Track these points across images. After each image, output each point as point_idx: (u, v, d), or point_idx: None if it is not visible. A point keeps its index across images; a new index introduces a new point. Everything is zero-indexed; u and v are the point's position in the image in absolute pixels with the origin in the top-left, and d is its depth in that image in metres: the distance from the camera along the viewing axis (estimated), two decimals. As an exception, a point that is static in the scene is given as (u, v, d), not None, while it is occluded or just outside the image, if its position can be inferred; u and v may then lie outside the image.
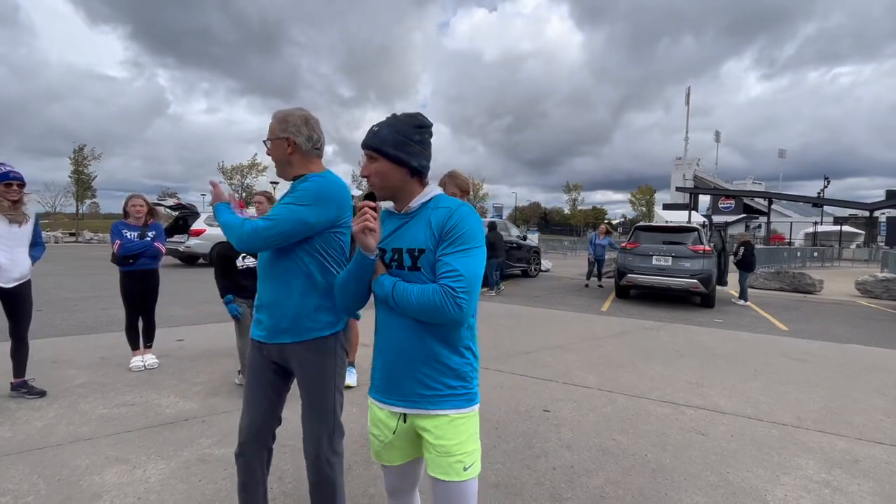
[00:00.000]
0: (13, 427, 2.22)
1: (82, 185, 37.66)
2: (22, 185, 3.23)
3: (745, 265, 9.62)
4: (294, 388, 1.80)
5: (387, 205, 1.41)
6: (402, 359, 1.31)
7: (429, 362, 1.29)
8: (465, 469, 1.29)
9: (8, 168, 3.21)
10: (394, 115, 1.36)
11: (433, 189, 1.37)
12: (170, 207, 16.82)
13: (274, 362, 1.74)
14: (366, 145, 1.32)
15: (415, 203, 1.34)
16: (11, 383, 3.41)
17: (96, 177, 38.68)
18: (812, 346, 5.98)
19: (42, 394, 3.43)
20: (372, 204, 1.25)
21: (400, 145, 1.30)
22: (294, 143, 1.71)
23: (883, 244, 30.96)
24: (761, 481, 2.57)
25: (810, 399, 3.94)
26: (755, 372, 4.70)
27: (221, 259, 3.67)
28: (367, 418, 1.45)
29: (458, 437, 1.30)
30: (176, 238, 14.44)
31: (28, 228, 3.35)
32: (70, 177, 37.15)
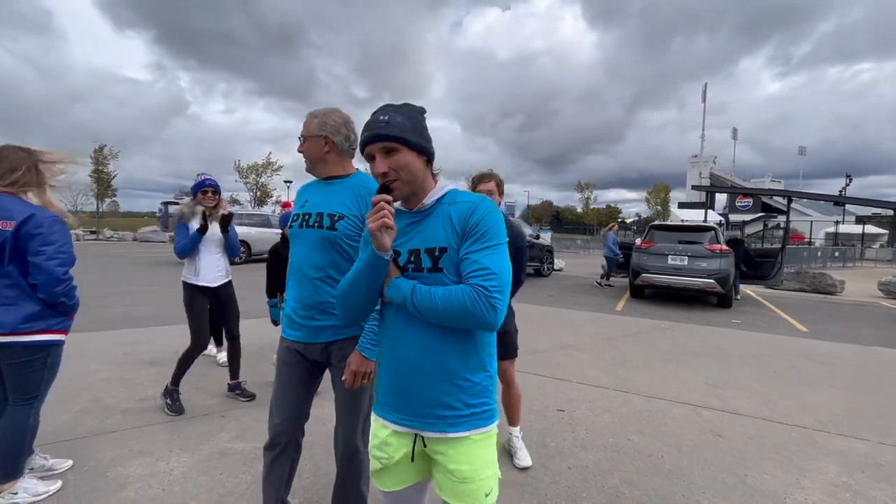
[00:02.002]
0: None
1: (102, 183, 38.64)
2: (217, 191, 3.42)
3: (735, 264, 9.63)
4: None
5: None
6: (417, 373, 1.17)
7: (449, 377, 1.16)
8: (485, 496, 1.18)
9: (205, 177, 3.42)
10: (390, 104, 1.22)
11: (446, 183, 1.25)
12: (187, 206, 17.25)
13: (305, 358, 1.79)
14: (381, 137, 1.14)
15: (429, 199, 1.21)
16: (229, 384, 3.55)
17: (116, 175, 39.65)
18: (833, 347, 5.85)
19: (252, 397, 3.49)
20: (388, 198, 1.12)
21: (420, 132, 1.18)
22: (332, 142, 1.77)
23: (907, 244, 30.08)
24: (781, 484, 2.54)
25: (831, 402, 3.87)
26: (774, 373, 4.62)
27: (274, 257, 3.64)
28: (370, 434, 1.32)
29: (477, 461, 1.18)
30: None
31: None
32: (90, 175, 38.12)
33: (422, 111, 1.24)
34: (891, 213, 30.56)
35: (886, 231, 33.89)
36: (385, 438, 1.24)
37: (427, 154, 1.20)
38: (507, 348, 2.65)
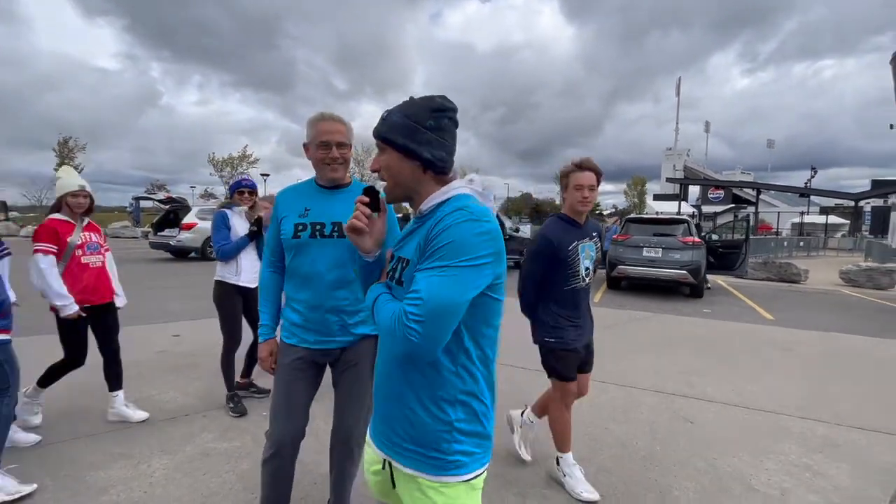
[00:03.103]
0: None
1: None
2: (253, 191, 3.41)
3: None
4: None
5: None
6: (385, 394, 1.11)
7: (415, 411, 1.04)
8: None
9: (242, 177, 3.50)
10: (410, 98, 1.11)
11: (453, 187, 1.09)
12: (160, 201, 16.68)
13: (315, 363, 1.82)
14: (375, 133, 1.10)
15: (426, 205, 1.08)
16: (239, 382, 3.50)
17: (83, 168, 38.10)
18: (796, 334, 6.15)
19: (267, 392, 3.48)
20: (365, 199, 1.08)
21: (410, 132, 1.04)
22: (352, 149, 1.85)
23: (867, 234, 31.59)
24: (746, 466, 2.69)
25: (794, 386, 4.08)
26: (742, 361, 4.84)
27: None
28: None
29: None
30: (167, 232, 14.37)
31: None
32: (55, 169, 36.57)
33: (439, 108, 1.06)
34: (852, 204, 32.00)
35: (848, 221, 35.48)
36: (369, 455, 1.20)
37: (418, 158, 1.05)
38: (592, 356, 2.55)
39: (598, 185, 2.31)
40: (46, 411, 3.08)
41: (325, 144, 1.73)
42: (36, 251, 2.67)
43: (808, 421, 3.36)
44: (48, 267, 2.67)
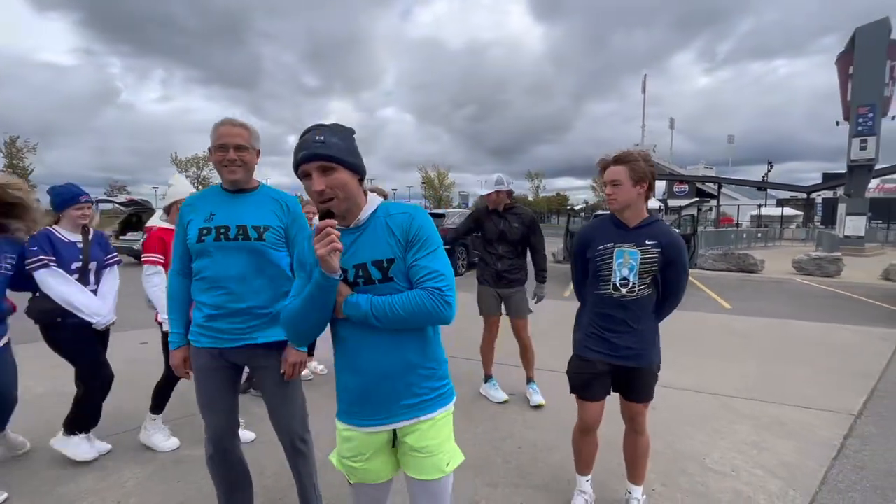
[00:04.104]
0: None
1: (18, 180, 35.09)
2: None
3: None
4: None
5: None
6: (383, 376, 1.28)
7: (414, 371, 1.29)
8: (446, 465, 1.34)
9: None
10: (322, 124, 1.26)
11: (375, 198, 1.32)
12: (121, 204, 16.00)
13: (228, 363, 1.85)
14: (318, 157, 1.18)
15: (363, 215, 1.28)
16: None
17: (33, 170, 36.14)
18: (752, 322, 6.52)
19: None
20: (334, 223, 1.16)
21: (353, 152, 1.25)
22: (259, 154, 1.86)
23: (819, 224, 33.44)
24: (701, 446, 2.89)
25: (747, 371, 4.36)
26: (701, 349, 5.11)
27: None
28: (337, 444, 1.40)
29: (440, 437, 1.33)
30: (129, 235, 13.85)
31: None
32: (2, 171, 34.53)
33: (352, 132, 1.30)
34: (805, 196, 33.79)
35: (802, 213, 37.45)
36: (356, 442, 1.34)
37: (360, 173, 1.27)
38: (646, 389, 2.09)
39: (634, 177, 1.88)
40: (11, 425, 3.00)
41: (223, 147, 1.75)
42: (145, 262, 2.67)
43: (759, 402, 3.61)
44: (159, 280, 2.63)
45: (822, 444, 2.94)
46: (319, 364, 4.36)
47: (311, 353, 4.30)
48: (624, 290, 1.96)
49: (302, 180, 1.25)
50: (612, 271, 1.96)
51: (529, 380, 3.69)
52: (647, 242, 1.92)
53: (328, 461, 1.45)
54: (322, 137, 1.19)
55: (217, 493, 1.98)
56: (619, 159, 1.93)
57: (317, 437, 2.92)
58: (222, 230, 1.77)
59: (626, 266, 1.94)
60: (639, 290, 1.95)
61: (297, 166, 1.23)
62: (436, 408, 1.33)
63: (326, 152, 1.18)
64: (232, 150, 1.75)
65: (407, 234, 1.25)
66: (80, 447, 2.60)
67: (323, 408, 3.46)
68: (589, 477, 2.29)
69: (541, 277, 3.67)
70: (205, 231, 1.77)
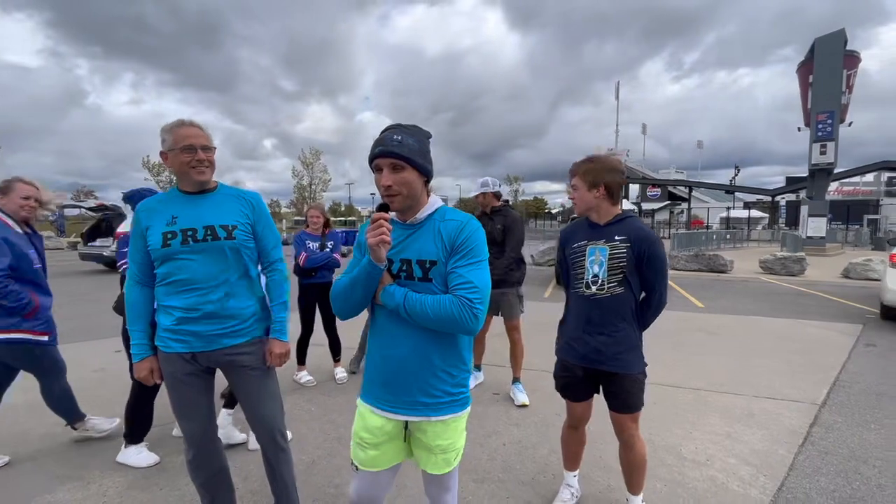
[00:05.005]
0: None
1: (-24, 184, 33.43)
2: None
3: None
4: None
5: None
6: (406, 369, 1.34)
7: (434, 372, 1.35)
8: (454, 459, 1.43)
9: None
10: (402, 125, 1.35)
11: (436, 200, 1.41)
12: (90, 209, 15.42)
13: (208, 368, 1.84)
14: (392, 154, 1.27)
15: (422, 214, 1.36)
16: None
17: (-7, 175, 34.49)
18: (723, 319, 6.78)
19: None
20: (387, 216, 1.26)
21: (425, 155, 1.33)
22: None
23: (784, 225, 34.87)
24: (677, 438, 3.00)
25: (718, 366, 4.54)
26: (676, 346, 5.29)
27: None
28: (355, 422, 1.47)
29: (452, 437, 1.40)
30: (99, 242, 13.39)
31: None
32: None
33: (428, 135, 1.38)
34: (770, 199, 35.21)
35: (767, 215, 38.99)
36: (373, 423, 1.41)
37: (428, 175, 1.35)
38: (627, 398, 2.02)
39: (588, 182, 1.95)
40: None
41: (190, 148, 1.72)
42: (124, 267, 2.64)
43: (730, 395, 3.77)
44: None
45: (790, 432, 3.09)
46: (344, 372, 4.24)
47: (339, 358, 4.26)
48: (594, 288, 1.97)
49: (374, 172, 1.34)
50: (584, 269, 2.00)
51: (515, 379, 3.75)
52: (616, 238, 1.95)
53: (313, 462, 1.47)
54: (399, 137, 1.28)
55: (200, 497, 1.96)
56: (574, 169, 2.01)
57: (302, 439, 2.94)
58: (189, 232, 1.73)
59: (596, 263, 1.97)
60: (609, 288, 1.95)
61: (372, 159, 1.32)
62: (448, 412, 1.38)
63: (400, 151, 1.27)
64: (200, 150, 1.73)
65: (454, 241, 1.31)
66: (141, 455, 2.68)
67: (308, 412, 3.45)
68: (576, 473, 2.35)
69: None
70: (169, 235, 1.72)
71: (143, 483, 2.46)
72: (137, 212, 1.79)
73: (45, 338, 2.68)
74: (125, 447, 2.69)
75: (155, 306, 1.82)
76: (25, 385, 2.85)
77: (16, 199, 2.65)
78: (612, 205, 1.99)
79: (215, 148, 1.81)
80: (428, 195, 1.39)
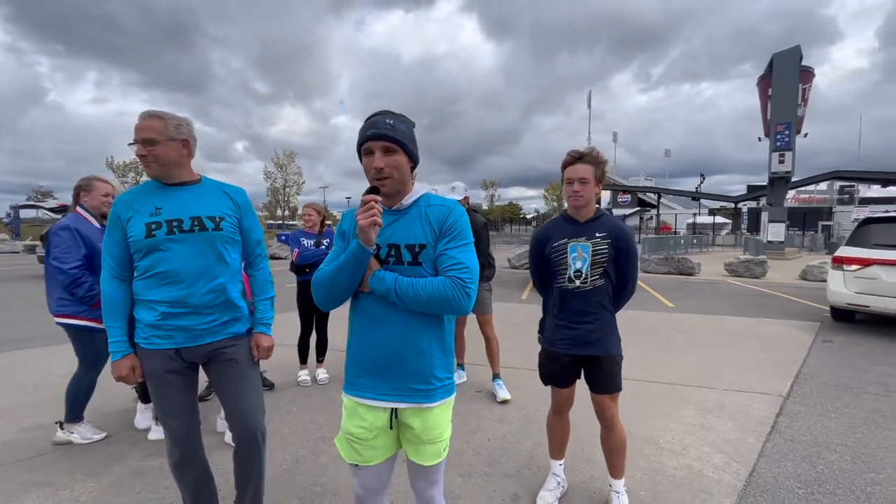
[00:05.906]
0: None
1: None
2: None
3: None
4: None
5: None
6: (395, 354, 1.32)
7: (424, 357, 1.34)
8: (443, 450, 1.42)
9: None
10: (391, 111, 1.36)
11: (421, 187, 1.42)
12: (52, 210, 14.70)
13: (192, 364, 1.80)
14: (385, 137, 1.28)
15: (407, 200, 1.37)
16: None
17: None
18: (692, 319, 7.03)
19: (271, 386, 3.82)
20: (378, 198, 1.25)
21: (414, 141, 1.36)
22: (189, 144, 1.77)
23: (746, 231, 36.44)
24: (654, 430, 3.10)
25: (691, 362, 4.71)
26: (649, 343, 5.46)
27: None
28: (343, 420, 1.42)
29: (441, 426, 1.39)
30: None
31: None
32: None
33: (413, 124, 1.41)
34: (733, 206, 36.76)
35: (730, 221, 40.68)
36: (361, 414, 1.37)
37: (415, 161, 1.38)
38: (609, 378, 2.14)
39: (600, 177, 2.03)
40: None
41: (137, 142, 1.68)
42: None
43: (702, 389, 3.92)
44: None
45: (758, 422, 3.25)
46: (327, 374, 4.18)
47: (322, 359, 4.23)
48: (577, 282, 2.08)
49: (362, 157, 1.34)
50: (567, 265, 2.09)
51: (495, 376, 3.80)
52: (597, 235, 2.05)
53: (297, 461, 1.45)
54: (392, 122, 1.31)
55: (183, 500, 1.91)
56: (588, 159, 2.01)
57: (284, 440, 2.89)
58: (174, 223, 1.68)
59: (579, 259, 2.07)
60: (591, 281, 2.07)
61: (362, 142, 1.32)
62: (437, 398, 1.38)
63: (393, 134, 1.29)
64: (139, 145, 1.67)
65: (442, 225, 1.33)
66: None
67: (291, 411, 3.40)
68: (562, 462, 2.41)
69: None
70: (154, 225, 1.67)
71: (119, 488, 2.37)
72: (116, 204, 1.72)
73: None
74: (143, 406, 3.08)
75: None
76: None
77: (98, 197, 2.90)
78: (596, 202, 2.13)
79: (171, 140, 1.69)
80: (412, 182, 1.41)
